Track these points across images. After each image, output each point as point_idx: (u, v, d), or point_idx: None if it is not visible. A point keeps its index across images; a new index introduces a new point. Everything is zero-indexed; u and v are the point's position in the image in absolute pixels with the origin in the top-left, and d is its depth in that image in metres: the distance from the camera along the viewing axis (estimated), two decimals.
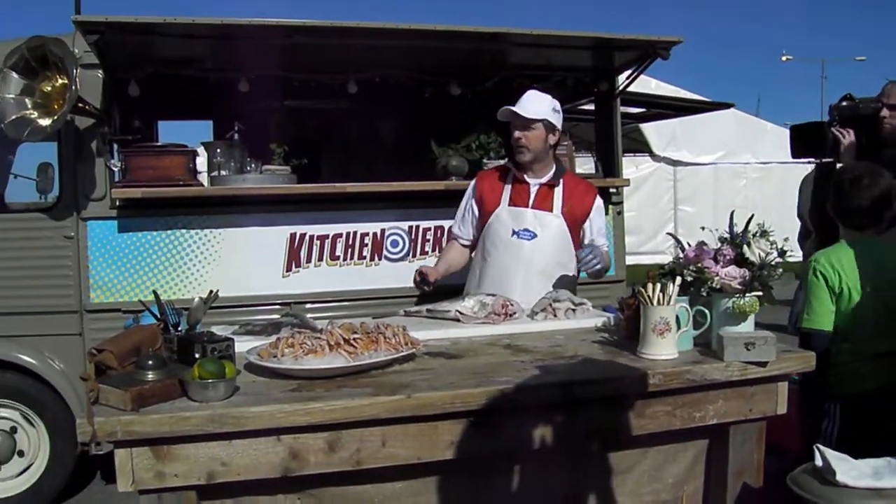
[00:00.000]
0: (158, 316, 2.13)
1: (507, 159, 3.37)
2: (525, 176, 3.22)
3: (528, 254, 3.16)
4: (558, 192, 3.22)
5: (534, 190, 3.21)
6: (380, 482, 1.99)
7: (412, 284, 3.25)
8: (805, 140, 3.61)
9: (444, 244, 3.89)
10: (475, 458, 1.98)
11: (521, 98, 3.15)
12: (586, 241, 3.26)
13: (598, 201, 3.33)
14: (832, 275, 2.59)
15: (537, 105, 3.13)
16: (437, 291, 3.20)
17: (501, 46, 4.23)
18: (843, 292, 2.58)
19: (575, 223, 3.23)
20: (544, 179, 3.22)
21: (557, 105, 3.19)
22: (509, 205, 3.22)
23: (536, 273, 3.15)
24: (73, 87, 3.40)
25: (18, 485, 3.93)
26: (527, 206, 3.20)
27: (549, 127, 3.15)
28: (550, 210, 3.20)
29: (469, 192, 3.40)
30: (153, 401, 1.77)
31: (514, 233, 3.18)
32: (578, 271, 3.28)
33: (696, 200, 13.67)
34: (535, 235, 3.17)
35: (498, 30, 3.97)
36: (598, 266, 3.10)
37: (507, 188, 3.25)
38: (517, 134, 3.13)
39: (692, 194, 13.73)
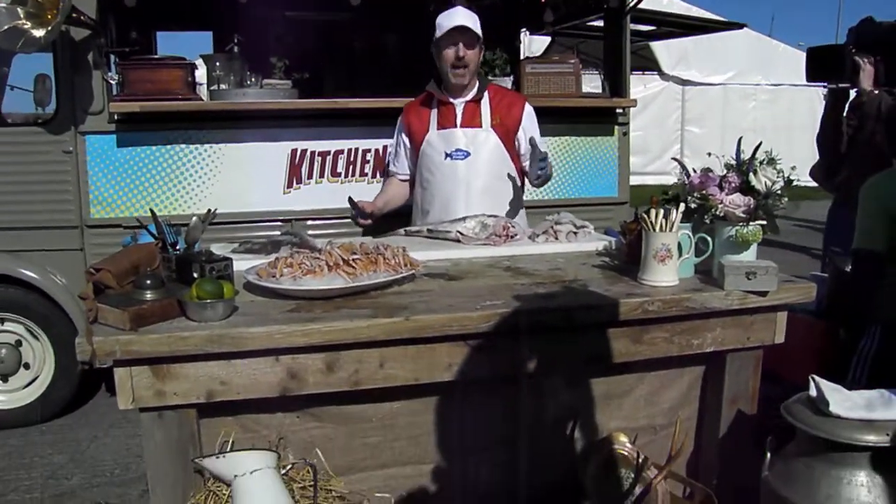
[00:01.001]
0: (156, 235, 2.12)
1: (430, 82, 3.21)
2: (449, 97, 3.13)
3: (464, 174, 3.08)
4: (485, 106, 3.13)
5: (460, 109, 3.12)
6: (378, 402, 2.01)
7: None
8: (822, 64, 3.51)
9: None
10: (473, 380, 1.99)
11: (453, 13, 3.02)
12: (522, 152, 3.17)
13: (528, 109, 3.20)
14: (888, 198, 2.54)
15: (475, 22, 3.02)
16: (378, 225, 3.17)
17: None
18: None
19: (507, 135, 3.13)
20: (469, 97, 3.13)
21: None
22: (438, 129, 3.14)
23: (478, 192, 3.08)
24: None
25: (25, 396, 4.01)
26: (455, 127, 3.11)
27: (482, 46, 3.09)
28: (480, 126, 3.11)
29: (398, 127, 3.31)
30: (152, 320, 1.77)
31: (446, 155, 3.10)
32: (522, 186, 3.23)
33: (703, 121, 13.53)
34: (468, 154, 3.08)
35: None
36: (547, 174, 3.04)
37: (434, 112, 3.16)
38: (462, 52, 3.00)
39: (700, 115, 13.57)
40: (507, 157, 3.12)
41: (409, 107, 3.29)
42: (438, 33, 3.02)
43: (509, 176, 3.15)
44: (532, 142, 3.02)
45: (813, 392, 1.95)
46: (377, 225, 3.17)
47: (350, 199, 3.16)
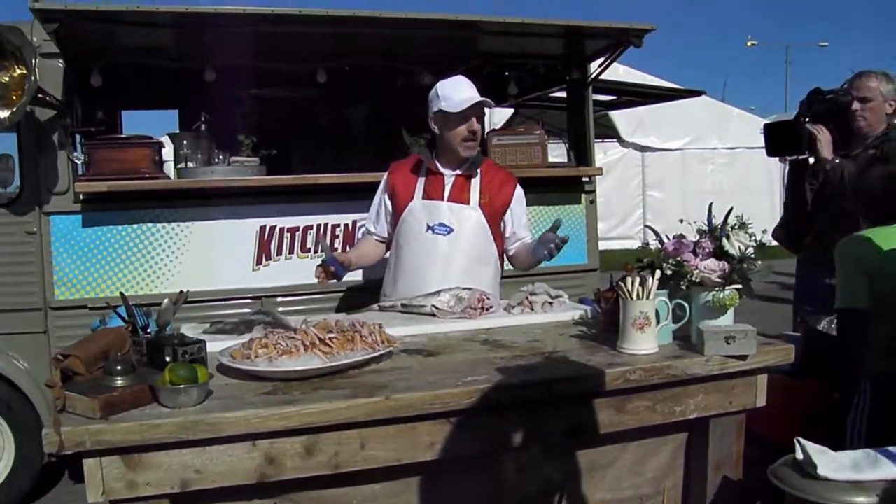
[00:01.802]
0: (126, 318, 2.06)
1: (415, 146, 3.13)
2: (440, 166, 3.02)
3: (444, 250, 2.95)
4: (475, 183, 3.01)
5: (449, 181, 3.00)
6: (358, 484, 1.95)
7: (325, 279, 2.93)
8: (780, 138, 3.62)
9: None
10: (455, 457, 1.94)
11: (460, 84, 2.93)
12: (507, 234, 3.11)
13: (519, 191, 3.11)
14: (865, 255, 2.57)
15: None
16: (350, 286, 3.10)
17: (473, 34, 4.17)
18: (876, 272, 2.55)
19: (494, 216, 3.03)
20: (461, 170, 3.02)
21: None
22: (423, 198, 3.00)
23: (456, 271, 2.93)
24: (33, 78, 3.28)
25: None
26: (442, 199, 2.99)
27: None
28: (467, 202, 2.98)
29: (381, 186, 3.17)
30: (123, 408, 1.71)
31: (428, 227, 2.97)
32: (501, 266, 3.16)
33: (664, 186, 13.81)
34: (451, 230, 2.96)
35: (469, 18, 3.90)
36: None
37: (422, 181, 3.03)
38: (475, 126, 2.91)
39: (660, 180, 13.86)
40: (489, 238, 3.01)
41: (397, 167, 3.17)
42: (447, 106, 2.89)
43: (489, 258, 3.05)
44: (556, 224, 2.84)
45: (799, 455, 1.93)
46: (350, 297, 3.11)
47: (325, 246, 3.06)
